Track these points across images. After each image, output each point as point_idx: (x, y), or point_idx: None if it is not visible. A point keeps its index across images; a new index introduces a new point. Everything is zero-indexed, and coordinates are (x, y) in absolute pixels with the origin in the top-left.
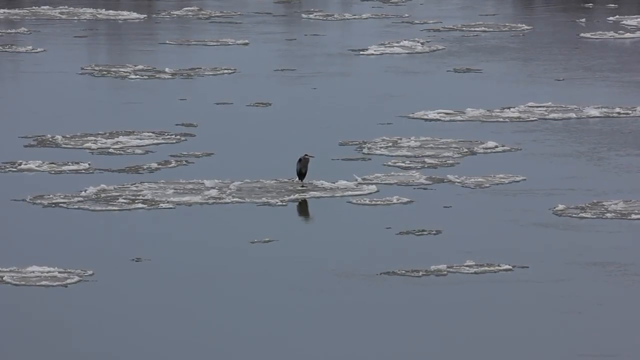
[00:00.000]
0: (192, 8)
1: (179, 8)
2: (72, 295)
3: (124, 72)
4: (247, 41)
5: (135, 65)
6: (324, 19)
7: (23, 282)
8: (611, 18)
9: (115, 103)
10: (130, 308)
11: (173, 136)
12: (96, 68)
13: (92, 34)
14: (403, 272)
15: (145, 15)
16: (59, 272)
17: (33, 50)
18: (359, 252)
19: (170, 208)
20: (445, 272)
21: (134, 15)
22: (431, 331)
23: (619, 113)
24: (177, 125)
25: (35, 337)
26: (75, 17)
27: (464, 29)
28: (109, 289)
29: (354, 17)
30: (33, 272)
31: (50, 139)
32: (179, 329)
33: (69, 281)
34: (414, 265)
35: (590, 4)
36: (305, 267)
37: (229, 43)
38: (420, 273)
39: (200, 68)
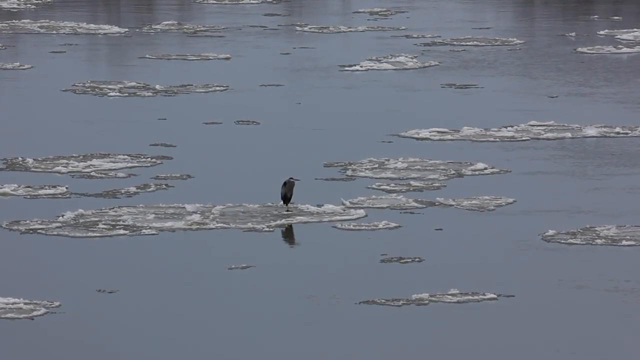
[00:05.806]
0: (173, 22)
1: (159, 22)
2: (38, 328)
3: (110, 88)
4: (229, 55)
5: (129, 82)
6: (319, 31)
7: None
8: (602, 32)
9: (92, 122)
10: (98, 342)
11: (149, 158)
12: (86, 85)
13: (72, 49)
14: (383, 301)
15: (127, 29)
16: (25, 304)
17: (20, 67)
18: (340, 279)
19: (153, 234)
20: (427, 302)
21: (115, 29)
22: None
23: (618, 132)
24: (152, 145)
25: None
26: (55, 31)
27: (457, 43)
28: (76, 322)
29: (350, 29)
30: None
31: (21, 162)
32: None
33: (35, 313)
34: (395, 294)
35: (596, 16)
36: (281, 294)
37: (211, 57)
38: (401, 302)
39: (192, 85)
